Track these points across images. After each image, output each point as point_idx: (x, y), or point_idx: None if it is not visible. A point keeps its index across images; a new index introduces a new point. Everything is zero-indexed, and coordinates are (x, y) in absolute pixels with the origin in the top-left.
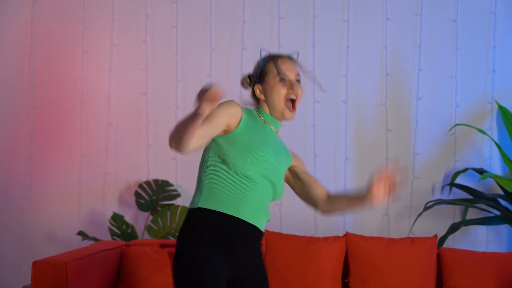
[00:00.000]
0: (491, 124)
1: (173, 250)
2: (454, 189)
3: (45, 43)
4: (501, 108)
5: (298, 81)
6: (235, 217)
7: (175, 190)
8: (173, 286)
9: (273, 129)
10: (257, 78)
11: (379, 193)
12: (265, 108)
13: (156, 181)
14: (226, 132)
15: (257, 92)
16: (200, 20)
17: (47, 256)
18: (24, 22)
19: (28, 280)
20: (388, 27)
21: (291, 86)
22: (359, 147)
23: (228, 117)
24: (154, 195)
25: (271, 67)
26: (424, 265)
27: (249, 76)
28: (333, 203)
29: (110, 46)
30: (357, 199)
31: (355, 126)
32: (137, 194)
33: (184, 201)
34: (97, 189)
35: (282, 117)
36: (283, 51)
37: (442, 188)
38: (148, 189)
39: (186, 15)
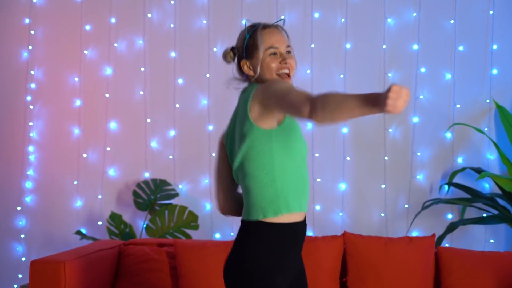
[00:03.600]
0: (489, 123)
1: (171, 249)
2: (452, 188)
3: (43, 43)
4: (499, 108)
5: (289, 52)
6: (300, 221)
7: (173, 190)
8: None
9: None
10: (243, 53)
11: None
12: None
13: (154, 180)
14: (278, 120)
15: (245, 68)
16: (199, 19)
17: (45, 256)
18: (23, 22)
19: (26, 279)
20: (387, 27)
21: (283, 59)
22: (358, 147)
23: None
24: (152, 195)
25: (257, 40)
26: (422, 265)
27: (233, 49)
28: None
29: (109, 46)
30: None
31: (353, 126)
32: (135, 193)
33: (182, 200)
34: (95, 188)
35: None
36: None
37: (440, 187)
38: (146, 189)
39: (185, 15)
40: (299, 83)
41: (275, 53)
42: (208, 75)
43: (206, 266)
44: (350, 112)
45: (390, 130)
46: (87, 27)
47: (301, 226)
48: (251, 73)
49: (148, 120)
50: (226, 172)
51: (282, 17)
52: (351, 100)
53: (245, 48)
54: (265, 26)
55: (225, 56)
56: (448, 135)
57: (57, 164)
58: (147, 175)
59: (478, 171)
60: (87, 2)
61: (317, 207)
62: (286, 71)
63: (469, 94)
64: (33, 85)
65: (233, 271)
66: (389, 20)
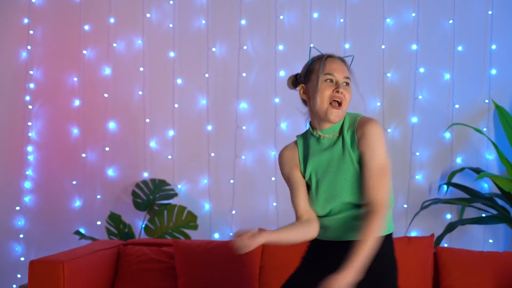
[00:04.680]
0: (488, 123)
1: (170, 249)
2: (451, 188)
3: (42, 43)
4: (498, 108)
5: (347, 83)
6: None
7: (172, 190)
8: None
9: (326, 137)
10: (303, 77)
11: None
12: (311, 114)
13: (153, 180)
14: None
15: (301, 92)
16: (198, 19)
17: (44, 256)
18: (22, 22)
19: (25, 280)
20: (385, 27)
21: (337, 87)
22: None
23: (292, 175)
24: (151, 195)
25: (318, 66)
26: (421, 265)
27: (296, 76)
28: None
29: (108, 46)
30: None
31: None
32: (134, 193)
33: (181, 200)
34: (94, 188)
35: (327, 119)
36: (281, 50)
37: (439, 187)
38: (145, 189)
39: (184, 15)
40: None
41: (330, 80)
42: (207, 75)
43: (205, 266)
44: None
45: (389, 130)
46: (86, 27)
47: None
48: (305, 97)
49: (147, 120)
50: None
51: (353, 56)
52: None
53: (305, 73)
54: (330, 56)
55: (288, 81)
56: (447, 135)
57: (56, 164)
58: (146, 175)
59: (477, 171)
60: (86, 2)
61: None
62: (338, 100)
63: (468, 94)
64: (32, 85)
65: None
66: (388, 20)
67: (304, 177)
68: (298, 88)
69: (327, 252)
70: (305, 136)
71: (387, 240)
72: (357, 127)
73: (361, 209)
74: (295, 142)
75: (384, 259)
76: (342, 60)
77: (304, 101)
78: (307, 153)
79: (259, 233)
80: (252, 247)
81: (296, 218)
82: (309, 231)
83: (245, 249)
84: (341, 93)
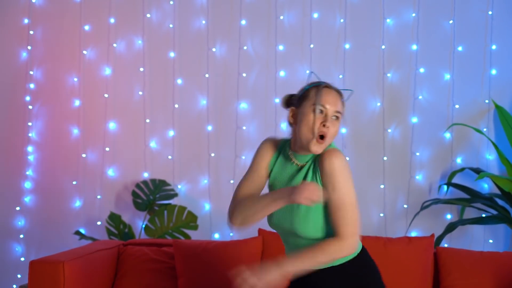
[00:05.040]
0: (488, 123)
1: (170, 249)
2: (451, 188)
3: (43, 43)
4: (498, 108)
5: (337, 117)
6: None
7: (172, 190)
8: None
9: (297, 164)
10: (296, 101)
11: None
12: (294, 136)
13: (153, 180)
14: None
15: (289, 114)
16: (198, 19)
17: (44, 256)
18: (22, 22)
19: (25, 280)
20: (386, 27)
21: (325, 120)
22: (357, 147)
23: (260, 165)
24: (151, 195)
25: (312, 93)
26: (421, 265)
27: (292, 96)
28: None
29: (108, 46)
30: None
31: (352, 126)
32: (134, 193)
33: (181, 201)
34: (95, 188)
35: (308, 149)
36: (281, 50)
37: (439, 187)
38: (145, 189)
39: (184, 15)
40: (298, 83)
41: (321, 111)
42: (207, 75)
43: (205, 267)
44: (259, 210)
45: (389, 130)
46: (86, 27)
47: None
48: (291, 120)
49: (147, 120)
50: None
51: (352, 90)
52: (259, 203)
53: (300, 97)
54: (327, 86)
55: (282, 100)
56: (447, 135)
57: (56, 164)
58: (146, 175)
59: (477, 171)
60: (86, 2)
61: None
62: (322, 134)
63: (468, 95)
64: (32, 85)
65: None
66: (388, 20)
67: (268, 176)
68: (288, 109)
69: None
70: (284, 145)
71: (362, 255)
72: (319, 161)
73: (311, 241)
74: (279, 142)
75: (367, 273)
76: (338, 92)
77: (290, 123)
78: (276, 162)
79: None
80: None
81: (235, 198)
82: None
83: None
84: (327, 127)
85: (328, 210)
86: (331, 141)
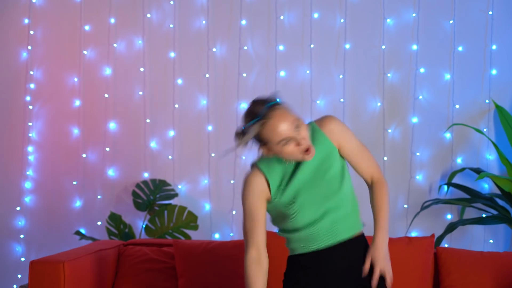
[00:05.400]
0: (489, 124)
1: (170, 249)
2: (452, 188)
3: (43, 43)
4: (498, 108)
5: (298, 126)
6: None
7: (173, 190)
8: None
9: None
10: (256, 142)
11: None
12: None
13: (153, 180)
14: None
15: (265, 152)
16: (198, 20)
17: (45, 256)
18: (22, 22)
19: (25, 280)
20: (386, 27)
21: (296, 142)
22: None
23: (257, 205)
24: (151, 195)
25: (266, 135)
26: (421, 265)
27: (243, 132)
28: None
29: (108, 46)
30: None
31: (352, 126)
32: (134, 193)
33: (181, 201)
34: (95, 188)
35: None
36: (281, 50)
37: (440, 187)
38: (145, 189)
39: (184, 15)
40: (298, 83)
41: (286, 141)
42: (207, 75)
43: (205, 267)
44: None
45: (389, 131)
46: (87, 28)
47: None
48: (271, 154)
49: (148, 121)
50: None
51: (277, 92)
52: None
53: (258, 139)
54: (266, 120)
55: (236, 139)
56: (448, 135)
57: (57, 164)
58: (146, 175)
59: (478, 171)
60: (87, 2)
61: None
62: (305, 148)
63: (468, 95)
64: (32, 86)
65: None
66: (388, 20)
67: (278, 199)
68: (259, 149)
69: (325, 260)
70: (269, 162)
71: (363, 234)
72: (321, 129)
73: (349, 209)
74: (259, 170)
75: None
76: (279, 110)
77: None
78: (286, 174)
79: None
80: None
81: (249, 246)
82: (266, 272)
83: None
84: (303, 143)
85: (353, 163)
86: (309, 140)
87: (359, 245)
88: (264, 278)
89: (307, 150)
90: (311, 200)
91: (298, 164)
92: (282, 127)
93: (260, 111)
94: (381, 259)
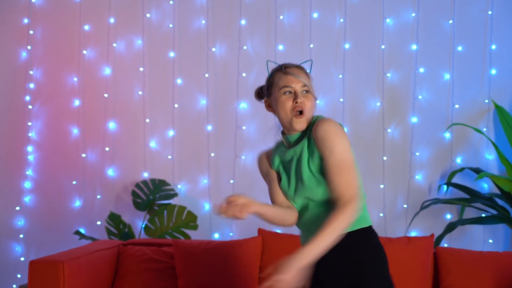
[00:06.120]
0: (488, 123)
1: (170, 249)
2: (451, 188)
3: (42, 43)
4: (498, 108)
5: (307, 91)
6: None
7: (172, 190)
8: None
9: (293, 146)
10: (266, 91)
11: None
12: (281, 123)
13: (153, 180)
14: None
15: (266, 105)
16: (197, 19)
17: (44, 256)
18: (22, 22)
19: (25, 279)
20: (385, 27)
21: (295, 97)
22: (356, 147)
23: (270, 172)
24: (151, 195)
25: (276, 78)
26: (421, 265)
27: (262, 88)
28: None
29: (108, 46)
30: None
31: (352, 126)
32: (134, 193)
33: (181, 200)
34: (94, 188)
35: (293, 128)
36: (281, 50)
37: (439, 187)
38: (145, 189)
39: (184, 15)
40: None
41: (289, 92)
42: (207, 75)
43: (205, 266)
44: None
45: (389, 130)
46: (86, 27)
47: None
48: (270, 110)
49: (147, 120)
50: None
51: (311, 60)
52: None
53: (267, 86)
54: (286, 67)
55: (255, 94)
56: (447, 135)
57: (56, 164)
58: (146, 175)
59: (477, 171)
60: (86, 2)
61: None
62: (299, 109)
63: (467, 94)
64: (32, 85)
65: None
66: (387, 20)
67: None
68: (263, 101)
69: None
70: (278, 145)
71: (367, 232)
72: (312, 131)
73: (327, 208)
74: (271, 149)
75: (368, 251)
76: (299, 68)
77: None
78: (278, 160)
79: (249, 204)
80: (242, 219)
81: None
82: (289, 215)
83: (232, 218)
84: (301, 102)
85: (327, 177)
86: (311, 113)
87: (351, 242)
88: (279, 208)
89: (301, 113)
90: (293, 182)
91: (284, 145)
92: (291, 77)
93: (286, 64)
94: (283, 271)
